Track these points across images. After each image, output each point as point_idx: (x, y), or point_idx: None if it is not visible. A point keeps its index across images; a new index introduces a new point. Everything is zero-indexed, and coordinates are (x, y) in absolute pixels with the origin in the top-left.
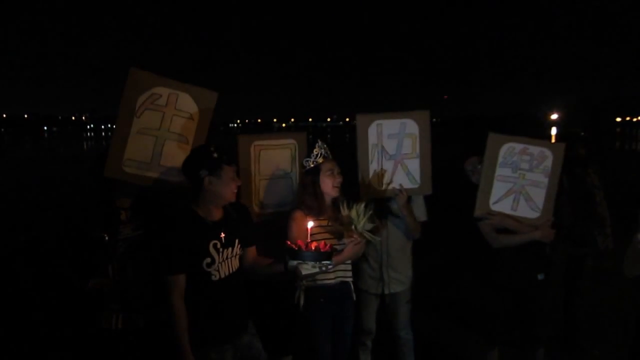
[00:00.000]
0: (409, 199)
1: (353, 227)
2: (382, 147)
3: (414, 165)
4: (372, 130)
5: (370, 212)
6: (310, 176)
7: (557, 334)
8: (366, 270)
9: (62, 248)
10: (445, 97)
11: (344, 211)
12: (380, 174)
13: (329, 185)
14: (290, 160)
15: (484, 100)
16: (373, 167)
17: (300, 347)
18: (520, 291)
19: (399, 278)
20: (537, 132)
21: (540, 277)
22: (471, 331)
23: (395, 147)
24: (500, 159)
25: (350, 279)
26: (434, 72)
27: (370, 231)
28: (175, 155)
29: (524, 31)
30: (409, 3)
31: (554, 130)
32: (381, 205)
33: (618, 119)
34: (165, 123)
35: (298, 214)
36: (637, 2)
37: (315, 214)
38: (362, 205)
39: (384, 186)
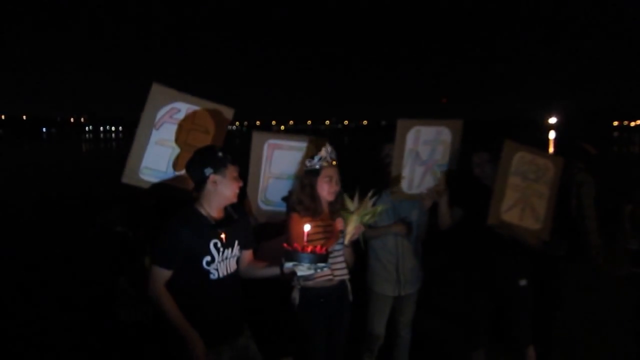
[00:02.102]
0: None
1: (355, 219)
2: (417, 152)
3: (442, 171)
4: (411, 136)
5: (376, 212)
6: (310, 177)
7: (549, 332)
8: (381, 274)
9: (88, 244)
10: (444, 100)
11: (353, 205)
12: (411, 178)
13: (325, 191)
14: None
15: (483, 104)
16: (406, 171)
17: (300, 347)
18: (500, 294)
19: (412, 279)
20: (537, 136)
21: (522, 283)
22: (458, 331)
23: (428, 153)
24: (513, 168)
25: (347, 277)
26: (432, 75)
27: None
28: None
29: (522, 35)
30: (408, 5)
31: (551, 135)
32: (397, 207)
33: (615, 123)
34: (182, 136)
35: (295, 216)
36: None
37: (311, 215)
38: (376, 207)
39: (413, 189)
